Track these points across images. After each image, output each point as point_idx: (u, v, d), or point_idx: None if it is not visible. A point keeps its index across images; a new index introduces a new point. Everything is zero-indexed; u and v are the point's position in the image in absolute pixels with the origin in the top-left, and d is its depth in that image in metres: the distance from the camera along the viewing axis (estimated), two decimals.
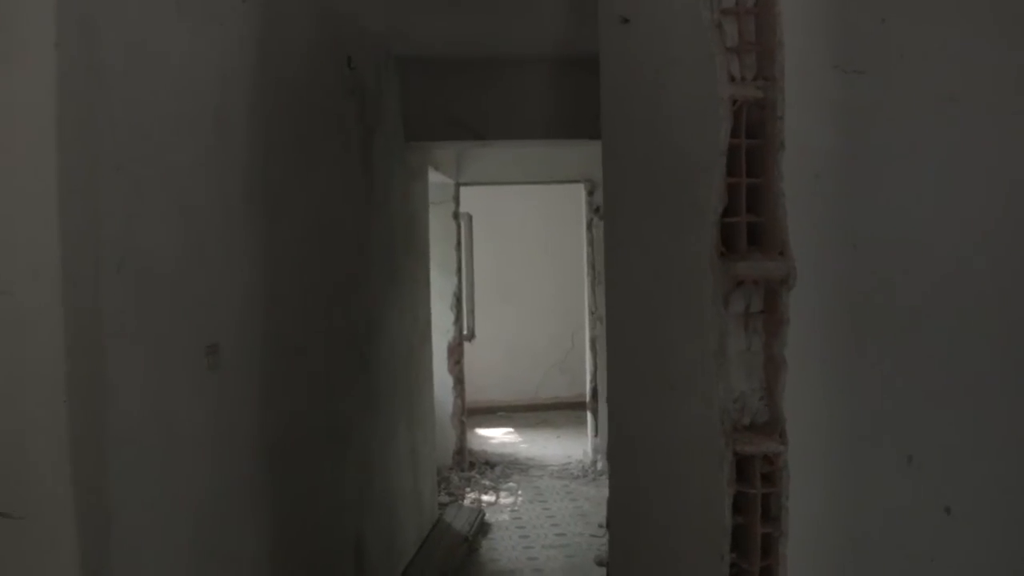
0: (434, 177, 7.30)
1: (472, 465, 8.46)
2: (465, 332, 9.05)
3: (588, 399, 8.37)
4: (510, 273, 11.15)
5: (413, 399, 5.94)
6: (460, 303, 8.30)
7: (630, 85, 2.49)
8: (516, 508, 7.26)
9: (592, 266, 8.25)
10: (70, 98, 2.11)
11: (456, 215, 8.24)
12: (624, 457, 2.76)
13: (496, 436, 10.12)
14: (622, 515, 2.83)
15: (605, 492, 8.19)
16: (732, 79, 1.78)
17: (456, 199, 8.22)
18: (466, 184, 8.27)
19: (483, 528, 6.67)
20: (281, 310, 3.47)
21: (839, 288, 2.10)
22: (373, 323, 4.94)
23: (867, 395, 2.11)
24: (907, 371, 2.11)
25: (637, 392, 2.52)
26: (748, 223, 1.81)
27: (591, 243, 8.24)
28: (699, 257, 1.83)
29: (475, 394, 10.83)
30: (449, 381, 8.23)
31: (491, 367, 10.98)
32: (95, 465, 2.20)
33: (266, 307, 3.31)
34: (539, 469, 8.48)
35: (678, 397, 2.07)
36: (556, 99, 5.85)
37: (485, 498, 7.53)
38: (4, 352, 2.08)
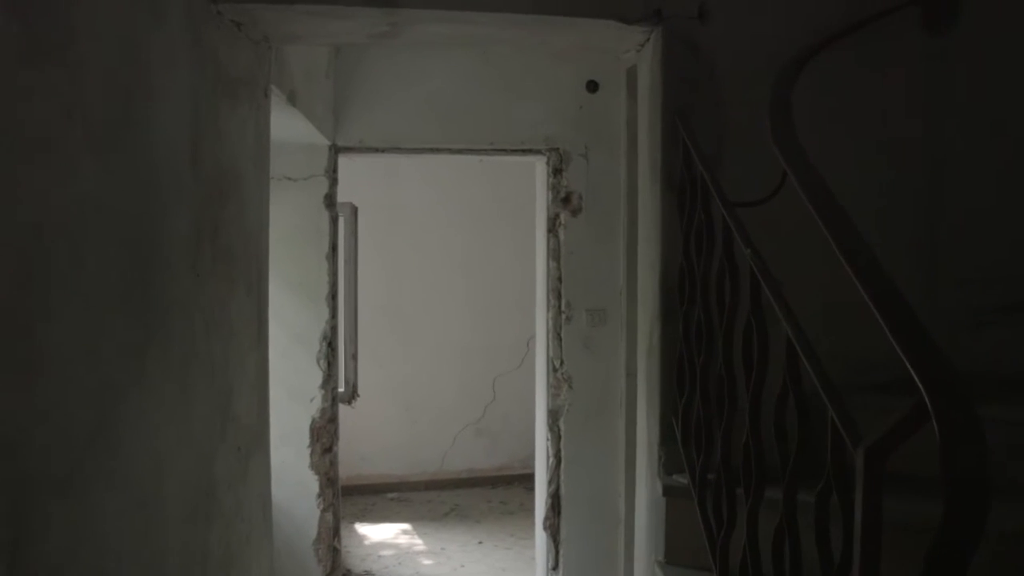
0: (288, 123, 3.97)
1: None
2: (343, 390, 5.69)
3: (544, 510, 5.07)
4: (408, 295, 7.81)
5: None
6: (334, 351, 4.93)
7: None
8: None
9: (558, 294, 4.97)
10: None
11: (331, 202, 4.87)
12: None
13: (386, 539, 6.76)
14: None
15: None
16: None
17: (331, 174, 4.85)
18: (349, 150, 4.90)
19: None
20: None
21: None
22: (81, 461, 1.59)
23: None
24: None
25: None
26: None
27: (555, 254, 4.97)
28: None
29: (356, 467, 7.52)
30: (312, 484, 4.85)
31: (378, 429, 7.68)
32: None
33: None
34: None
35: None
36: None
37: None
38: None
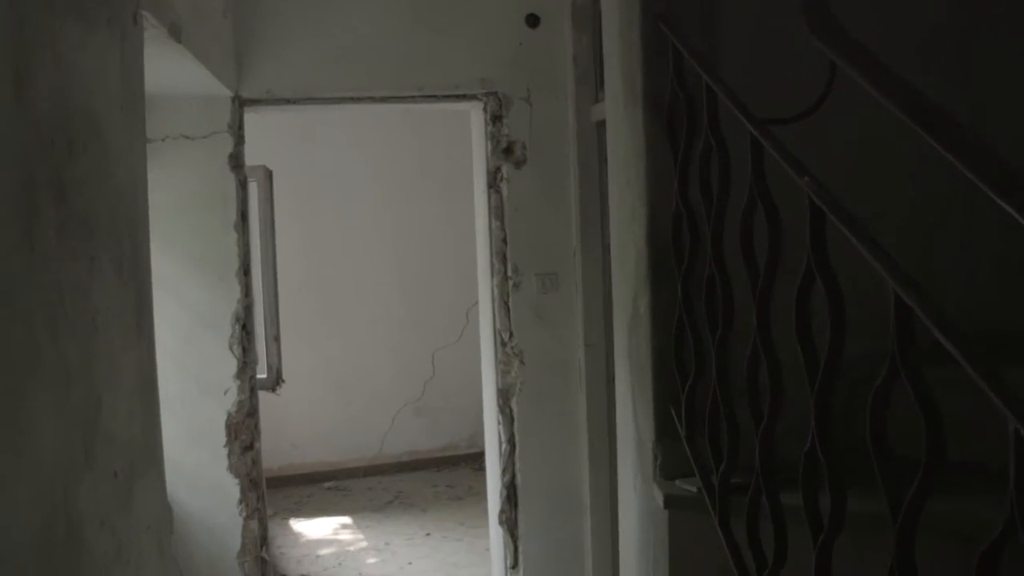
0: (177, 68, 3.30)
1: None
2: (265, 376, 5.08)
3: (499, 503, 4.50)
4: (333, 267, 7.15)
5: None
6: (250, 334, 4.29)
7: None
8: None
9: (503, 257, 4.39)
10: None
11: (238, 163, 4.20)
12: None
13: (324, 535, 6.15)
14: None
15: None
16: None
17: (236, 131, 4.17)
18: (256, 102, 4.23)
19: None
20: None
21: None
22: None
23: None
24: None
25: None
26: None
27: (498, 213, 4.38)
28: None
29: (286, 456, 6.95)
30: (232, 488, 4.22)
31: (309, 414, 7.06)
32: None
33: None
34: None
35: None
36: None
37: None
38: None
